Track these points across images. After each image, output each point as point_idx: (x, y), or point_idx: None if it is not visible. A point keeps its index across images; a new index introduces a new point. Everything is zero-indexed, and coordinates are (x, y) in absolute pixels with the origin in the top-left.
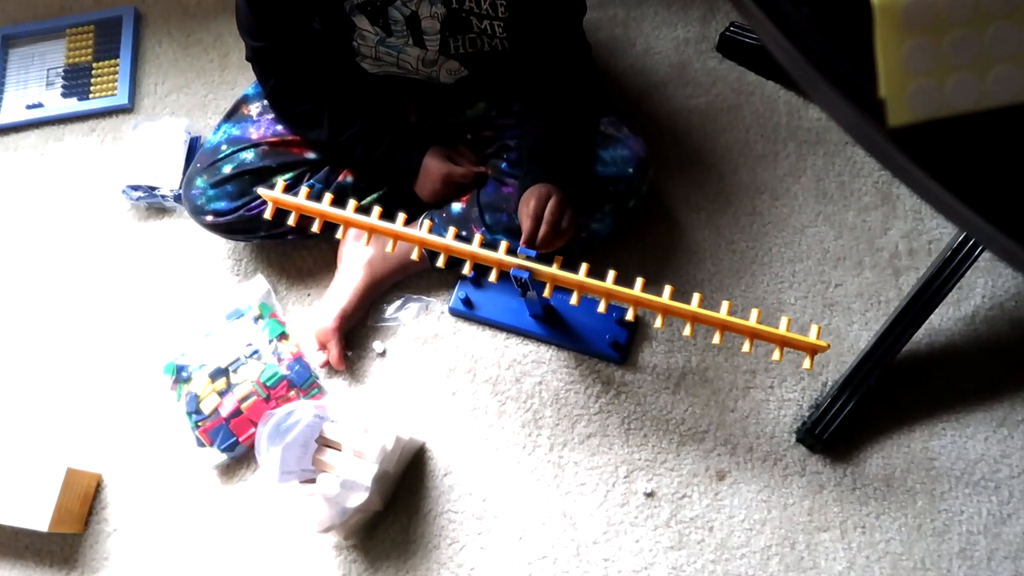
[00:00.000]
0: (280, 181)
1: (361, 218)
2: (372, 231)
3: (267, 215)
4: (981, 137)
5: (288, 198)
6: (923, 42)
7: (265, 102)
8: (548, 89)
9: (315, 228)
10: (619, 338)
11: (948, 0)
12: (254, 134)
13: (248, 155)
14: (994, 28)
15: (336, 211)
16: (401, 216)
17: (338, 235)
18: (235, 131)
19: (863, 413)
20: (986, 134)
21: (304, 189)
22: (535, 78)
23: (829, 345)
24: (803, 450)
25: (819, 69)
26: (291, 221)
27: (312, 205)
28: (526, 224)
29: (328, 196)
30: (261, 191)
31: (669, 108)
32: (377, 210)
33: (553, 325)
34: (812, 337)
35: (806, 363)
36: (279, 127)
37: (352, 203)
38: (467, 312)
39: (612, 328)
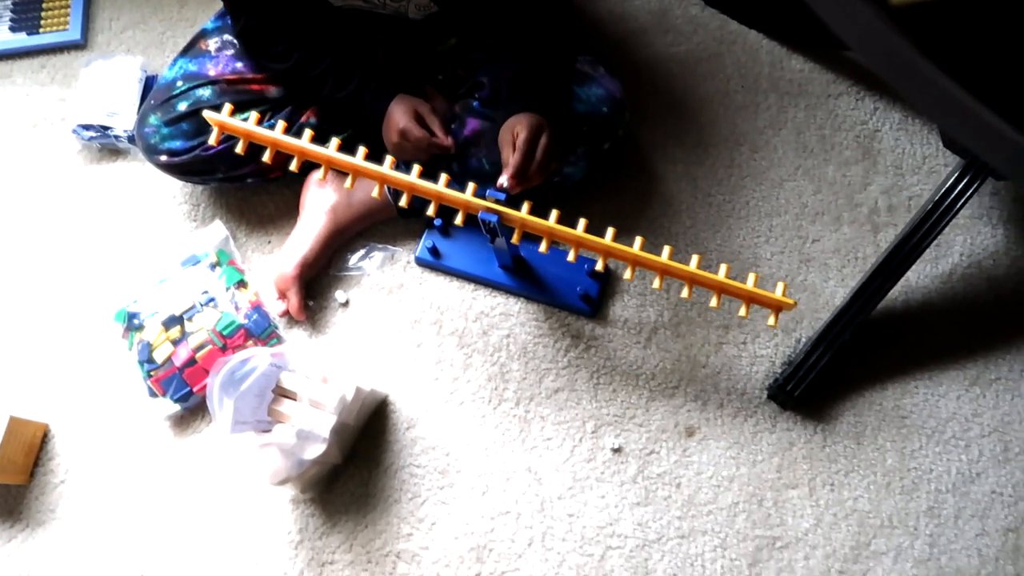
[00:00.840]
0: (228, 106)
1: (318, 148)
2: (329, 164)
3: (211, 140)
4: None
5: (236, 122)
6: None
7: (225, 37)
8: (524, 22)
9: (266, 157)
10: (590, 291)
11: None
12: (212, 70)
13: (205, 92)
14: None
15: (290, 139)
16: (362, 150)
17: (292, 167)
18: (192, 67)
19: (836, 370)
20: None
21: (254, 114)
22: (510, 11)
23: (796, 303)
24: (774, 407)
25: None
26: (239, 149)
27: (263, 132)
28: (509, 153)
29: (281, 123)
30: (207, 114)
31: (648, 56)
32: (335, 141)
33: (523, 276)
34: (778, 294)
35: (771, 320)
36: (239, 64)
37: (308, 133)
38: (434, 262)
39: (583, 280)
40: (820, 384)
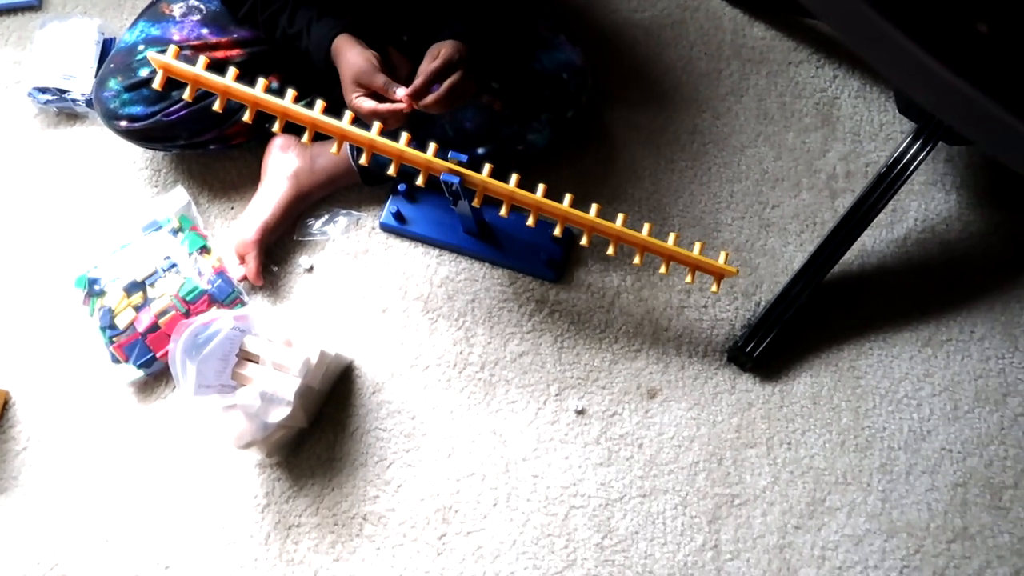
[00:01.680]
0: (172, 47)
1: (272, 98)
2: (284, 115)
3: (156, 85)
4: None
5: (183, 66)
6: None
7: (190, 2)
8: None
9: (216, 107)
10: (554, 255)
11: None
12: (176, 35)
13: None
14: None
15: (241, 87)
16: (320, 103)
17: (246, 117)
18: (154, 31)
19: (793, 333)
20: None
21: (203, 59)
22: None
23: (737, 271)
24: (734, 369)
25: None
26: (186, 95)
27: (212, 77)
28: (419, 79)
29: (232, 71)
30: (150, 55)
31: (612, 22)
32: (291, 93)
33: (487, 242)
34: (721, 262)
35: (714, 287)
36: (204, 30)
37: (263, 82)
38: (398, 227)
39: (547, 246)
40: (778, 346)
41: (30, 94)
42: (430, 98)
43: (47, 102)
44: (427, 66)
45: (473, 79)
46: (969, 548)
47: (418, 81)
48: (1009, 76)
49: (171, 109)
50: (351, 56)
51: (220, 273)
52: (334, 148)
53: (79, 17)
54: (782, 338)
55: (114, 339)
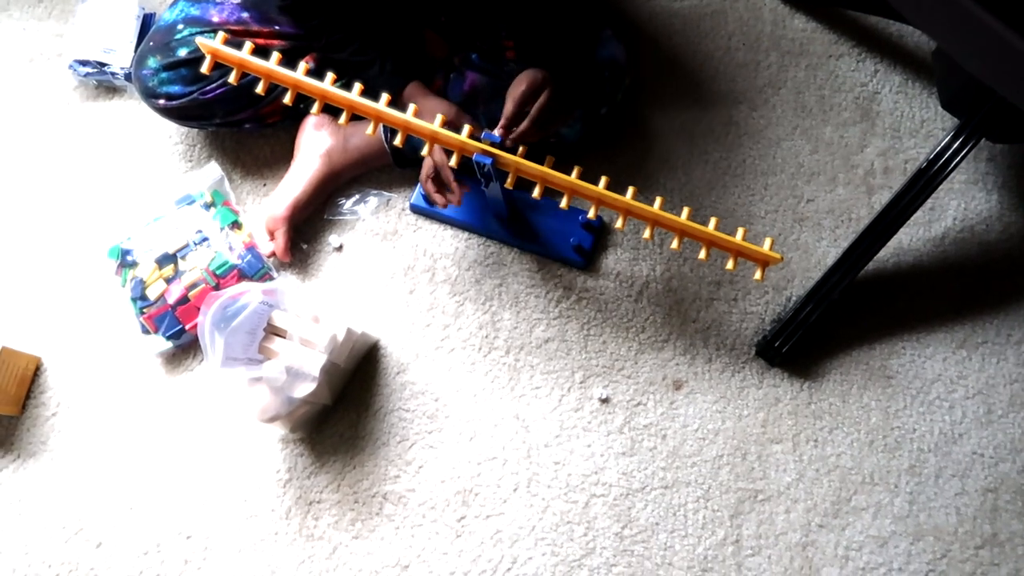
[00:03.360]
0: (221, 33)
1: (312, 81)
2: (323, 98)
3: (204, 69)
4: None
5: (230, 51)
6: None
7: None
8: None
9: (259, 89)
10: (583, 242)
11: None
12: (215, 17)
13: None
14: None
15: (284, 71)
16: (357, 86)
17: (287, 99)
18: (194, 11)
19: (824, 329)
20: None
21: (249, 44)
22: None
23: (782, 257)
24: (762, 363)
25: None
26: (232, 79)
27: (257, 61)
28: (509, 105)
29: (276, 55)
30: (200, 40)
31: (651, 10)
32: (331, 76)
33: (517, 226)
34: (766, 248)
35: (757, 274)
36: (244, 14)
37: (303, 66)
38: (429, 209)
39: (577, 232)
40: (808, 342)
41: (71, 66)
42: (523, 125)
43: (87, 75)
44: (515, 92)
45: (558, 101)
46: (998, 555)
47: (508, 109)
48: None
49: (208, 88)
50: (432, 103)
51: (250, 248)
52: (370, 129)
53: None
54: (812, 334)
55: (144, 310)
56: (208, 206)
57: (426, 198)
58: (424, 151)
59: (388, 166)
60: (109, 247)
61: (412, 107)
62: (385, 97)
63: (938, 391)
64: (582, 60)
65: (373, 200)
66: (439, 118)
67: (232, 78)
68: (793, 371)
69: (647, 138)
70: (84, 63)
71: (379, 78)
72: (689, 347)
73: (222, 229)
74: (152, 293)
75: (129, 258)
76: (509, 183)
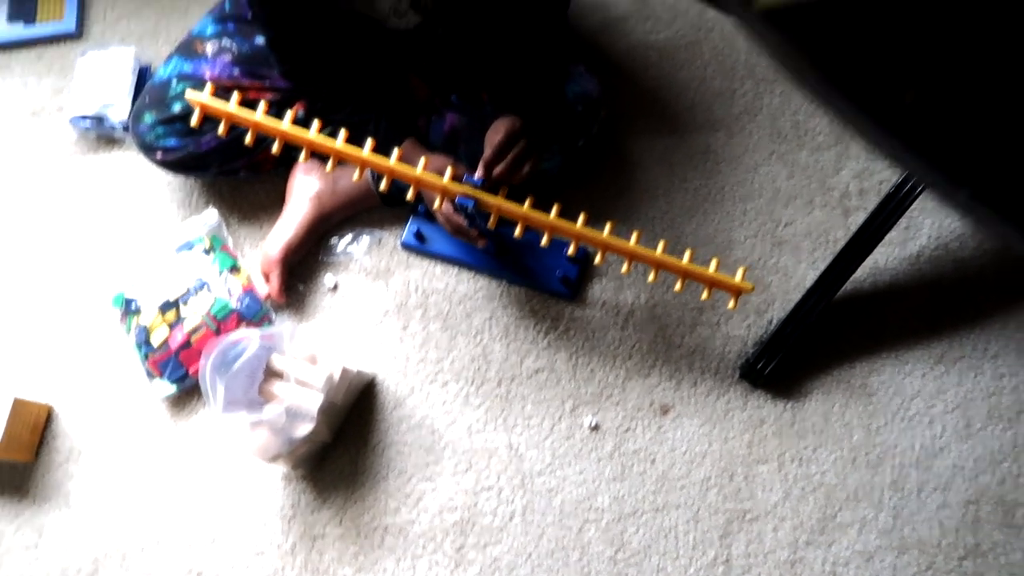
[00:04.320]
0: (209, 84)
1: (298, 131)
2: (310, 147)
3: (193, 122)
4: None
5: (217, 103)
6: None
7: (223, 42)
8: (518, 26)
9: (247, 140)
10: (569, 274)
11: None
12: (207, 73)
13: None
14: None
15: (270, 121)
16: (343, 134)
17: (274, 149)
18: (187, 67)
19: (805, 350)
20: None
21: (236, 95)
22: (504, 16)
23: (753, 287)
24: (746, 386)
25: None
26: (220, 131)
27: (243, 113)
28: (488, 152)
29: (262, 104)
30: (189, 94)
31: (628, 43)
32: (317, 124)
33: (505, 260)
34: (738, 279)
35: (731, 303)
36: (236, 70)
37: (289, 114)
38: (419, 246)
39: (563, 264)
40: (790, 363)
41: (72, 121)
42: (500, 169)
43: (87, 128)
44: (492, 140)
45: (534, 146)
46: (981, 565)
47: (487, 156)
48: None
49: (203, 140)
50: (435, 158)
51: (248, 292)
52: (356, 176)
53: (117, 46)
54: (794, 355)
55: (149, 356)
56: (207, 251)
57: (416, 235)
58: (409, 195)
59: (378, 206)
60: (113, 295)
61: (396, 151)
62: (369, 143)
63: (918, 407)
64: (553, 99)
65: (365, 240)
66: (422, 161)
67: (221, 130)
68: (776, 392)
69: (628, 168)
70: (84, 117)
71: (374, 136)
72: (674, 372)
73: (221, 273)
74: (156, 339)
75: (133, 306)
76: (491, 223)
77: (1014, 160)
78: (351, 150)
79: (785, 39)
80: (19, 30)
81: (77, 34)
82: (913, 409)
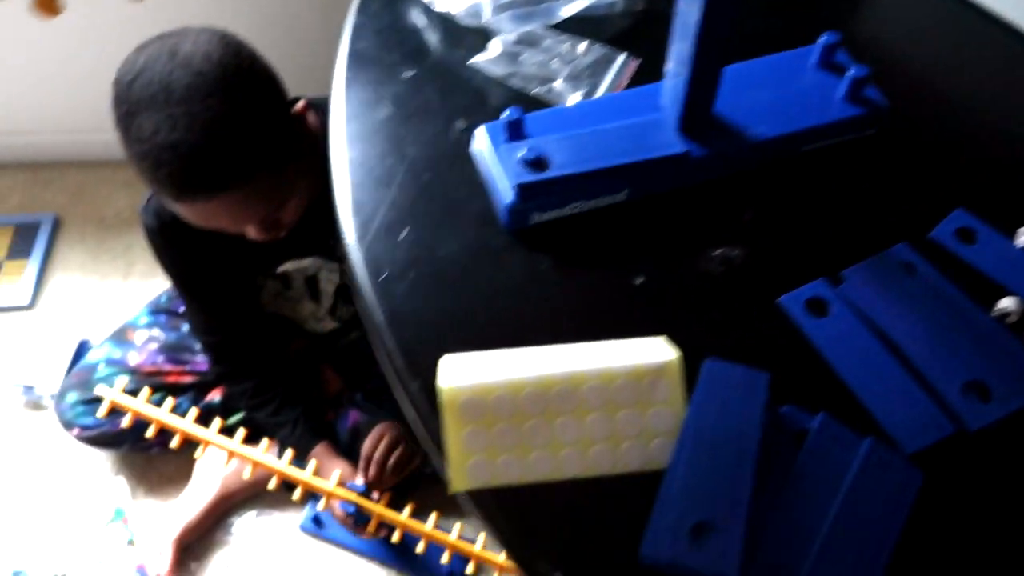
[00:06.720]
0: (123, 379)
1: (198, 431)
2: (206, 444)
3: (100, 413)
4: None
5: (125, 399)
6: (478, 429)
7: (152, 332)
8: None
9: (149, 433)
10: (456, 570)
11: (494, 399)
12: (132, 360)
13: (123, 379)
14: (530, 424)
15: (172, 419)
16: (241, 432)
17: (173, 444)
18: (116, 353)
19: None
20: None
21: (146, 390)
22: None
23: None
24: None
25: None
26: (125, 423)
27: (149, 410)
28: (370, 452)
29: (169, 401)
30: (99, 389)
31: None
32: (218, 422)
33: (397, 551)
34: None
35: None
36: (160, 358)
37: (194, 413)
38: (317, 531)
39: (452, 558)
40: None
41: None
42: (385, 479)
43: (22, 394)
44: (371, 450)
45: (415, 448)
46: None
47: (372, 471)
48: None
49: (118, 421)
50: (334, 464)
51: (140, 569)
52: (246, 474)
53: (63, 320)
54: None
55: None
56: (109, 522)
57: (314, 520)
58: (295, 496)
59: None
60: (8, 566)
61: (289, 454)
62: (265, 443)
63: None
64: None
65: (265, 520)
66: (311, 465)
67: (125, 422)
68: None
69: None
70: (17, 384)
71: (290, 438)
72: None
73: (117, 548)
74: None
75: None
76: (371, 527)
77: None
78: (244, 451)
79: (474, 509)
80: None
81: (30, 306)
82: None
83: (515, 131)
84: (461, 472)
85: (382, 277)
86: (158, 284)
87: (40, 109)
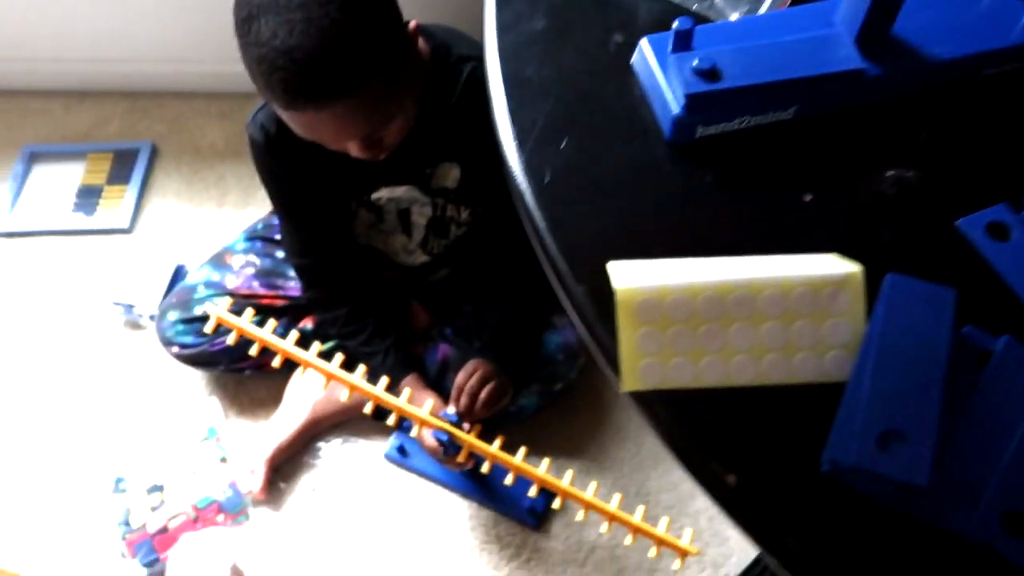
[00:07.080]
0: (228, 299)
1: (300, 352)
2: (306, 365)
3: (207, 329)
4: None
5: (231, 318)
6: (652, 331)
7: (249, 258)
8: (511, 276)
9: (253, 351)
10: (537, 506)
11: (671, 302)
12: (230, 284)
13: (226, 300)
14: (705, 328)
15: (276, 341)
16: (339, 357)
17: (275, 363)
18: (215, 276)
19: None
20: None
21: (249, 311)
22: (500, 263)
23: (699, 551)
24: None
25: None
26: (230, 340)
27: (253, 329)
28: (455, 393)
29: (272, 322)
30: (208, 306)
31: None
32: (317, 346)
33: (479, 484)
34: (685, 542)
35: (677, 563)
36: (255, 283)
37: (294, 336)
38: (401, 460)
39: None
40: None
41: (106, 304)
42: (477, 411)
43: (122, 313)
44: (464, 381)
45: (506, 385)
46: None
47: (464, 401)
48: None
49: (216, 341)
50: (423, 396)
51: (232, 485)
52: (344, 397)
53: (160, 243)
54: None
55: (126, 535)
56: (203, 440)
57: (399, 450)
58: (390, 420)
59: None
60: (108, 471)
61: (384, 380)
62: (361, 369)
63: None
64: (534, 349)
65: (351, 447)
66: (406, 392)
67: (230, 340)
68: None
69: (601, 409)
70: (117, 303)
71: (381, 368)
72: None
73: (210, 464)
74: (135, 520)
75: (122, 485)
76: (462, 458)
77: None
78: (343, 375)
79: (641, 411)
80: (80, 220)
81: (128, 230)
82: None
83: (683, 42)
84: (633, 373)
85: (546, 181)
86: (250, 214)
87: (140, 39)
